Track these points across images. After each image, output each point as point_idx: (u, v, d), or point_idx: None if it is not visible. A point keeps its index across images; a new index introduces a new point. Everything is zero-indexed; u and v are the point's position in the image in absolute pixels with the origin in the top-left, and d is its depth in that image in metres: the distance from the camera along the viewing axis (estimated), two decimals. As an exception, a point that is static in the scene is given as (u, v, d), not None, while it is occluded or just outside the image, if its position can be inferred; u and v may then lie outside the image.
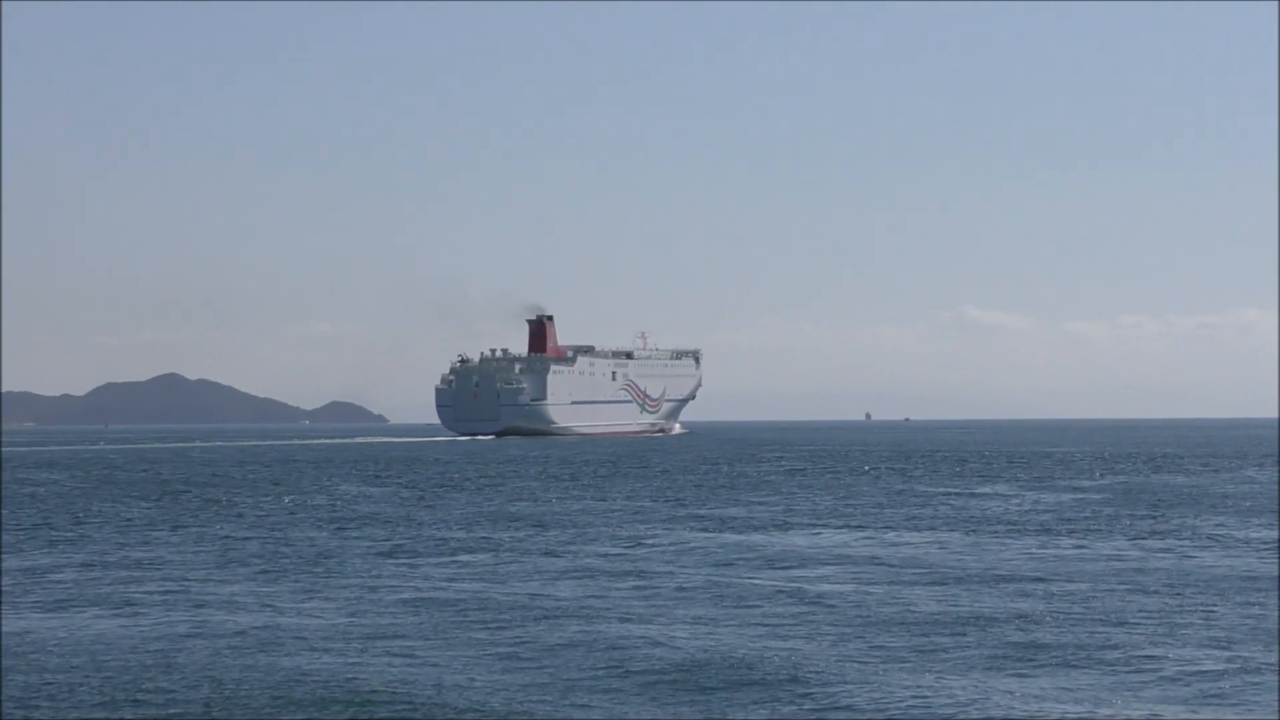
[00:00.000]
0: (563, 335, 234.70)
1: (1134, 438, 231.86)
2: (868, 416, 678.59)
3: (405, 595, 37.40)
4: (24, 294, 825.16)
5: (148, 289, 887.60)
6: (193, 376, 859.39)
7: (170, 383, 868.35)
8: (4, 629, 32.09)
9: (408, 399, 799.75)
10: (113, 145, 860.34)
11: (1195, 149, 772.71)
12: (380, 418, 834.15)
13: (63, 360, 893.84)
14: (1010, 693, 24.92)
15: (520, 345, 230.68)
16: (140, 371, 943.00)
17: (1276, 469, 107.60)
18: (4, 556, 47.68)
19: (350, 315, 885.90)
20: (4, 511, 67.07)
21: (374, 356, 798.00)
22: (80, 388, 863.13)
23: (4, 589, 39.01)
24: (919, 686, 25.36)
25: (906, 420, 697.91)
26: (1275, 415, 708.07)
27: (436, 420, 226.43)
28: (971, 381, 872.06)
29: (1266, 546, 48.44)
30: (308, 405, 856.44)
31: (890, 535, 53.77)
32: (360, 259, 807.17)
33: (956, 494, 78.67)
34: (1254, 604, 34.68)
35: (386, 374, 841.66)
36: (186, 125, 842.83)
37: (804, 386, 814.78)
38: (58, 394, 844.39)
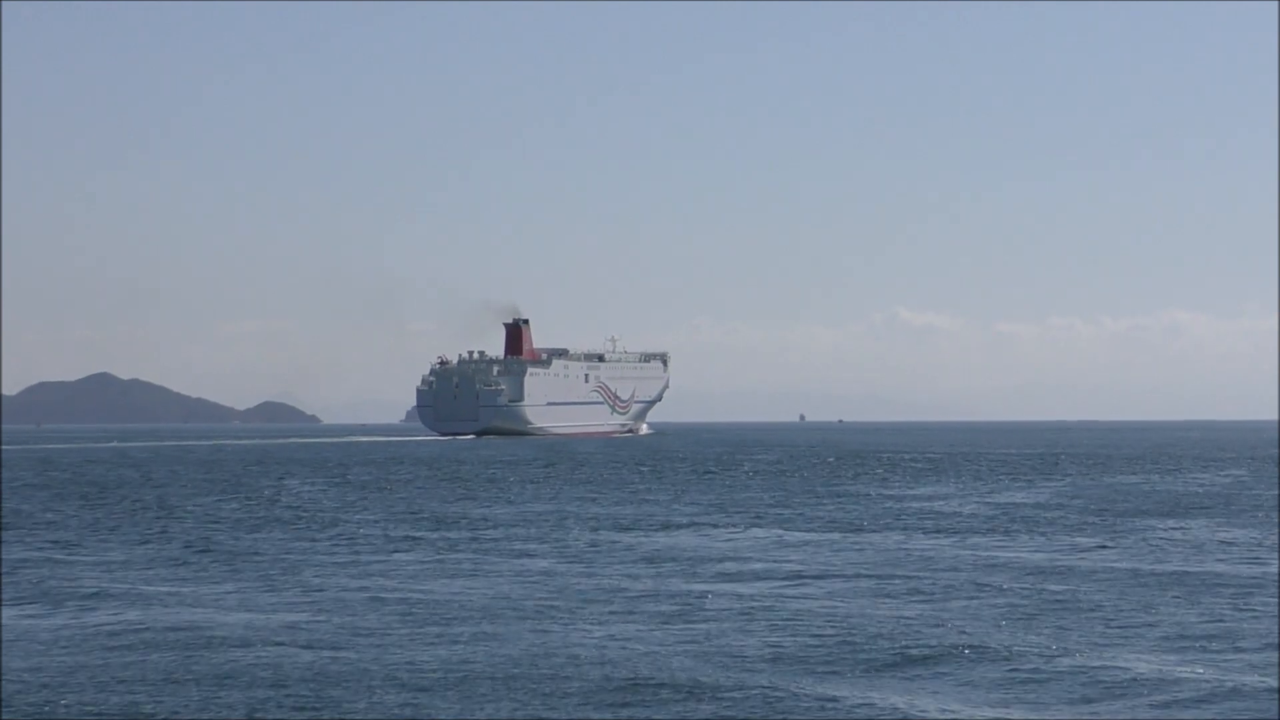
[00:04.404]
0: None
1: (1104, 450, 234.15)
2: (802, 418, 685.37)
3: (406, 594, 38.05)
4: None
5: (78, 287, 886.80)
6: (125, 376, 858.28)
7: (102, 382, 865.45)
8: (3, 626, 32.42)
9: (341, 399, 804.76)
10: (42, 143, 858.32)
11: (1125, 151, 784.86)
12: (313, 418, 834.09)
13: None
14: (999, 692, 25.25)
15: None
16: (72, 371, 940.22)
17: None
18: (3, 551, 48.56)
19: (281, 314, 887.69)
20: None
21: (305, 356, 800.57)
22: (11, 387, 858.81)
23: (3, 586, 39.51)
24: (905, 691, 25.61)
25: (840, 422, 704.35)
26: (1204, 417, 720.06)
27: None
28: (903, 383, 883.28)
29: (1239, 546, 49.33)
30: (239, 405, 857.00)
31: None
32: (293, 259, 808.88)
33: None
34: (1243, 604, 35.15)
35: (318, 374, 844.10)
36: (116, 123, 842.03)
37: (736, 387, 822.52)
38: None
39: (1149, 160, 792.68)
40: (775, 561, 45.46)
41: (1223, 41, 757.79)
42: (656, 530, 57.07)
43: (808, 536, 54.15)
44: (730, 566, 43.92)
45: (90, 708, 24.46)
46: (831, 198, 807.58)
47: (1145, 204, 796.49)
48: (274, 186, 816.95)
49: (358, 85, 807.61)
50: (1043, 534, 54.59)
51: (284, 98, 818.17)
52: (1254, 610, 34.10)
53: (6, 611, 34.74)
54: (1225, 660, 27.90)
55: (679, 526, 58.75)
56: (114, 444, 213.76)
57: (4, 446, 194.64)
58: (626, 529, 57.63)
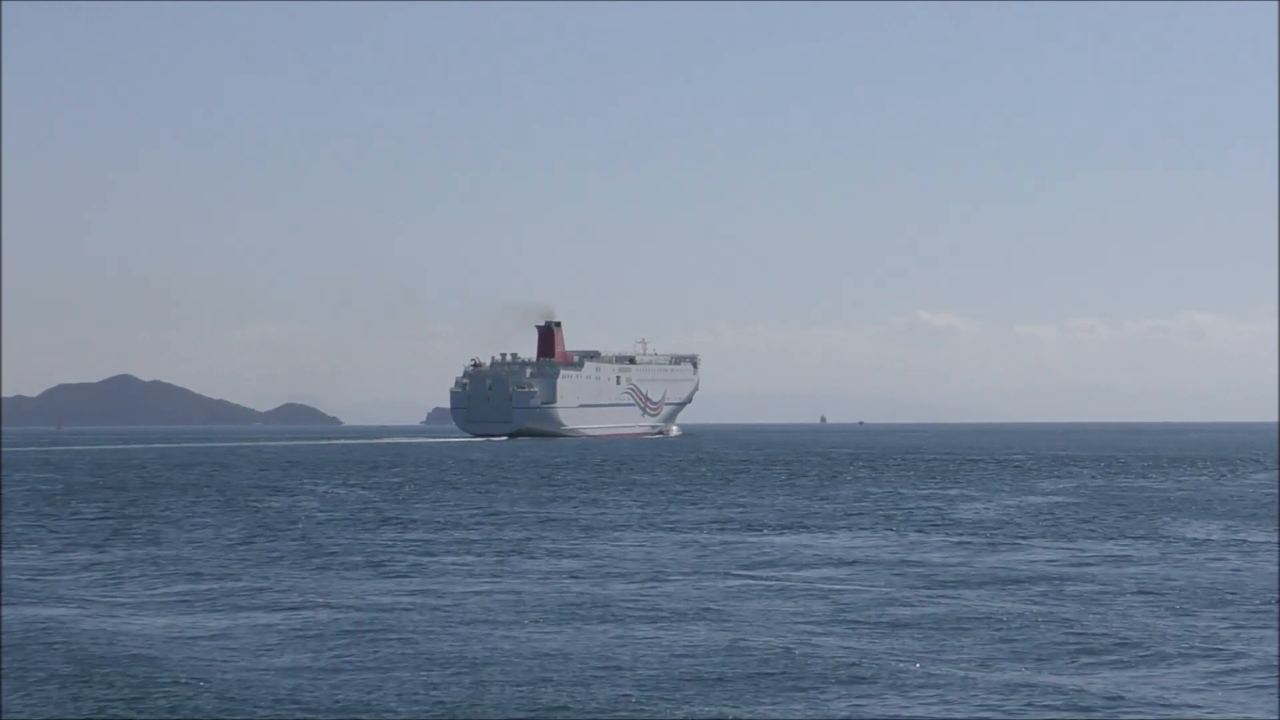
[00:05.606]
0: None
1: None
2: (823, 420, 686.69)
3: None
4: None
5: (100, 290, 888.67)
6: (146, 378, 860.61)
7: (123, 384, 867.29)
8: (4, 626, 32.76)
9: (361, 401, 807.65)
10: (63, 145, 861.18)
11: (1147, 153, 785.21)
12: (334, 420, 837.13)
13: (14, 361, 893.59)
14: (1015, 692, 25.59)
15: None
16: (93, 373, 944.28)
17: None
18: (17, 551, 49.58)
19: (301, 317, 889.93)
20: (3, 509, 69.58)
21: (325, 359, 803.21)
22: (33, 389, 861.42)
23: (12, 584, 40.28)
24: (930, 685, 26.18)
25: (860, 424, 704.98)
26: (1226, 419, 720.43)
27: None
28: (923, 384, 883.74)
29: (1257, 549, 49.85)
30: (260, 407, 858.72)
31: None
32: (313, 262, 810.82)
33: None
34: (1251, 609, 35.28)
35: (338, 377, 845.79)
36: (138, 124, 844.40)
37: (756, 389, 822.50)
38: (10, 395, 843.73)
39: (1170, 161, 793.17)
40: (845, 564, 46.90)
41: (1244, 40, 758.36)
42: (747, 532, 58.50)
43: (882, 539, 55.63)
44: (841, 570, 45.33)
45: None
46: (850, 200, 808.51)
47: (1165, 205, 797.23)
48: (295, 189, 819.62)
49: (379, 86, 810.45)
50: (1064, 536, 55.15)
51: (304, 99, 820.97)
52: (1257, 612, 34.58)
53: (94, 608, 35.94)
54: (1228, 662, 28.20)
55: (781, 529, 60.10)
56: (199, 445, 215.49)
57: (32, 448, 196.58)
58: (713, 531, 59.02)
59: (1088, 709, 24.56)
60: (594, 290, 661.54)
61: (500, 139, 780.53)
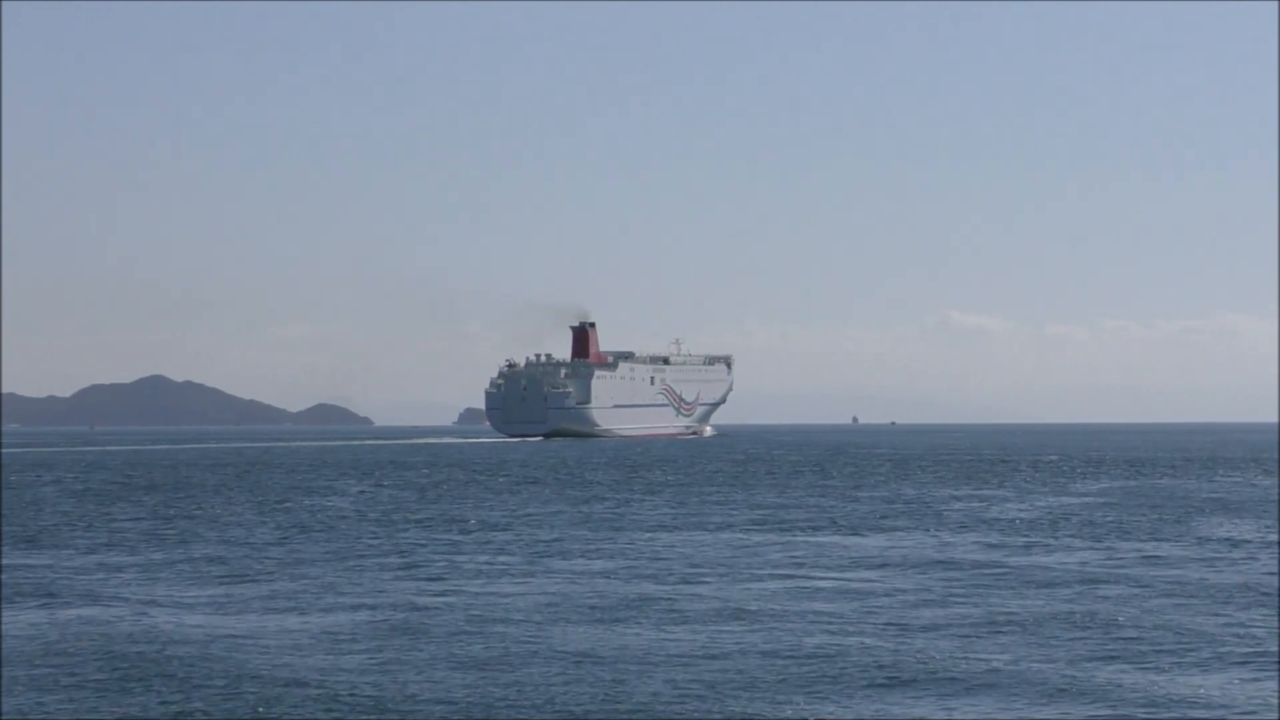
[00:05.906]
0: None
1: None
2: (855, 420, 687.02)
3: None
4: (8, 295, 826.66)
5: (132, 290, 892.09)
6: (178, 378, 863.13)
7: (155, 384, 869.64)
8: (41, 628, 33.03)
9: (392, 402, 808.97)
10: (95, 146, 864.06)
11: (1179, 153, 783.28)
12: (365, 420, 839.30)
13: (47, 362, 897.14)
14: (1049, 693, 25.70)
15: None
16: (125, 373, 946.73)
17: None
18: (41, 551, 50.31)
19: (331, 318, 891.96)
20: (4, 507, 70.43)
21: (356, 359, 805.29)
22: (65, 389, 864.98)
23: (16, 585, 40.57)
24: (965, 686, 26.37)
25: (893, 424, 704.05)
26: (1257, 420, 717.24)
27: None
28: (955, 385, 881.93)
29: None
30: (292, 407, 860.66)
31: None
32: (344, 262, 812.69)
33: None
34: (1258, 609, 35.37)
35: (369, 377, 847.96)
36: (170, 125, 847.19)
37: (788, 389, 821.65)
38: (43, 395, 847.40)
39: (1202, 162, 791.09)
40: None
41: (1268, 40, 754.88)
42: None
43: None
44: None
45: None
46: (882, 201, 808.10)
47: (1197, 206, 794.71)
48: (327, 189, 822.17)
49: (414, 86, 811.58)
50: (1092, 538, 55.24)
51: (338, 99, 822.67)
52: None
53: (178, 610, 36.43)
54: (1260, 663, 28.46)
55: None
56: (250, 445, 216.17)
57: (64, 448, 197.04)
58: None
59: (1122, 710, 24.64)
60: (628, 291, 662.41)
61: (534, 139, 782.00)
